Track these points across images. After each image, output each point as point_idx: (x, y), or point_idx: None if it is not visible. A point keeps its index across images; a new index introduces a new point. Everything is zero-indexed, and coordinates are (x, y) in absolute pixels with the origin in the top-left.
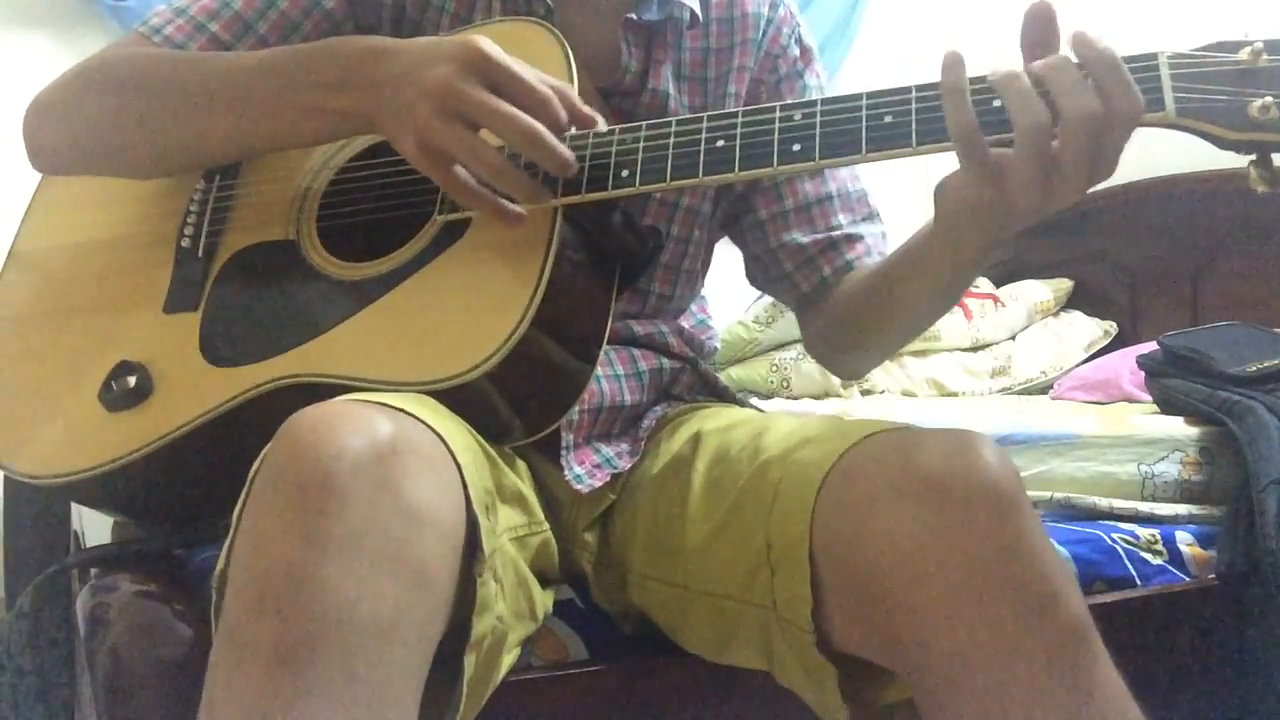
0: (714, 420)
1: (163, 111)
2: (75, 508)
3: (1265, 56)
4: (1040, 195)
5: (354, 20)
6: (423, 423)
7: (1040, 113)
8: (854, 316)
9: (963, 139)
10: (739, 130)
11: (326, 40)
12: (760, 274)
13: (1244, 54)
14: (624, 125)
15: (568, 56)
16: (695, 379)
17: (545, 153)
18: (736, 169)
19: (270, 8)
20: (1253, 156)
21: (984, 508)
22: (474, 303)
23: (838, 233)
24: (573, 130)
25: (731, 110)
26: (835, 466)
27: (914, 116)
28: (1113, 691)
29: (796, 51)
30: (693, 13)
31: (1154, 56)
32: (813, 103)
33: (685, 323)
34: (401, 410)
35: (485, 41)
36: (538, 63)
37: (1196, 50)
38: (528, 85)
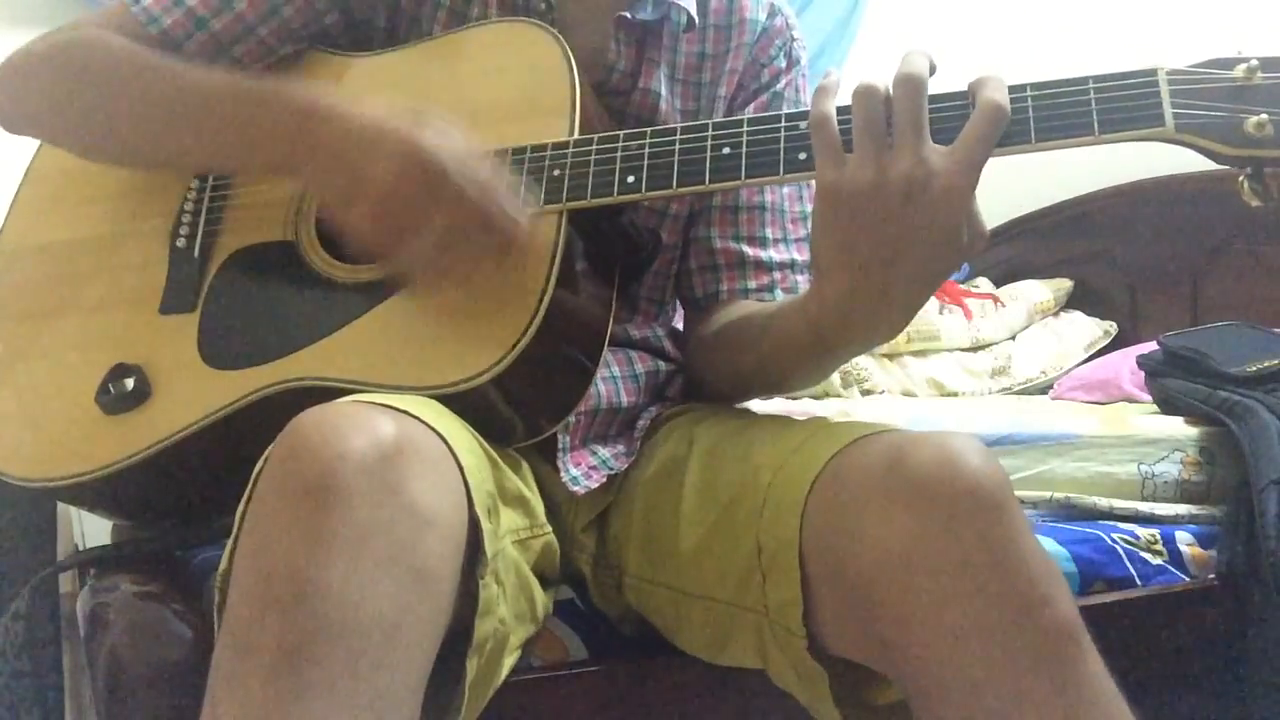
0: (707, 421)
1: (116, 111)
2: (76, 509)
3: (1260, 74)
4: (873, 176)
5: (342, 10)
6: (426, 424)
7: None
8: (729, 347)
9: (815, 125)
10: (745, 138)
11: (273, 86)
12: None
13: (1239, 71)
14: (629, 131)
15: (568, 58)
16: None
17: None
18: (743, 176)
19: None
20: (1246, 170)
21: (969, 511)
22: (480, 307)
23: (750, 252)
24: (575, 137)
25: (737, 118)
26: (824, 470)
27: None
28: (1102, 694)
29: (783, 64)
30: (690, 16)
31: (1153, 72)
32: None
33: (679, 325)
34: (405, 412)
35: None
36: (536, 67)
37: (1193, 66)
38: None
